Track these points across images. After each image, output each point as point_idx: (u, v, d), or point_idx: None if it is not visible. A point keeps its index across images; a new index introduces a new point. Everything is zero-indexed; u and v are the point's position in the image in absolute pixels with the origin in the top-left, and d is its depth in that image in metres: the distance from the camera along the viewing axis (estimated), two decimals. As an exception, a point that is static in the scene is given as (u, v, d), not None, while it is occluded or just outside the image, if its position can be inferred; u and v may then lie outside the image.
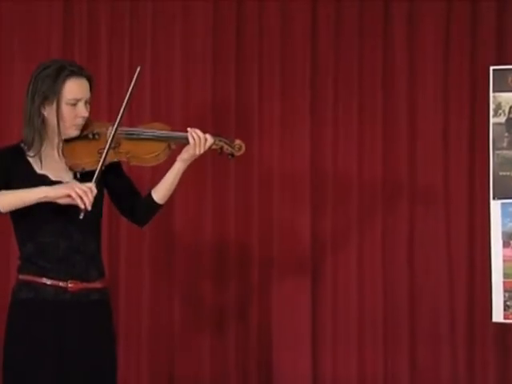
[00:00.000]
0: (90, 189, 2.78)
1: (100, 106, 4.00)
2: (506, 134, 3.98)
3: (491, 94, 3.99)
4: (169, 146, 3.01)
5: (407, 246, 4.28)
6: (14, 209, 2.84)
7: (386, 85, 4.28)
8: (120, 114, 2.92)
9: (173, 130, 3.04)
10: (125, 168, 3.11)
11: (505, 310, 3.94)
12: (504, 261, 3.95)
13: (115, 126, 2.92)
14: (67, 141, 2.95)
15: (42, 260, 2.89)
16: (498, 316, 3.95)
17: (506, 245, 3.96)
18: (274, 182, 4.26)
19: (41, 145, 2.91)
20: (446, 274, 4.26)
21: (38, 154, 2.91)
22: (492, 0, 4.26)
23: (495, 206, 3.98)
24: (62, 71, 2.88)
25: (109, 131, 2.94)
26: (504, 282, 3.94)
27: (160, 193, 3.05)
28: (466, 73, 4.27)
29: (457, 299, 4.26)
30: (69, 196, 2.78)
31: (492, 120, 3.99)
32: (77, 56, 4.13)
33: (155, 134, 3.01)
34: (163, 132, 3.02)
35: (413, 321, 4.26)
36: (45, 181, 2.89)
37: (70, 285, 2.90)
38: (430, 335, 4.26)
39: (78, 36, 4.21)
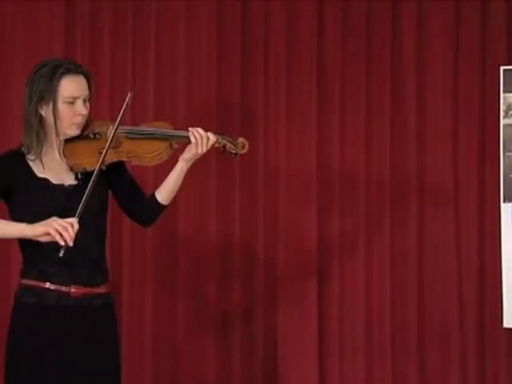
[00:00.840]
0: (71, 224, 2.73)
1: (102, 106, 4.01)
2: (517, 136, 4.00)
3: (502, 95, 4.00)
4: (171, 145, 2.99)
5: (416, 250, 4.26)
6: None
7: (394, 85, 4.26)
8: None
9: (175, 129, 3.03)
10: (127, 168, 3.09)
11: (516, 315, 3.95)
12: (515, 265, 3.96)
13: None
14: (68, 141, 2.93)
15: (45, 264, 2.87)
16: (509, 322, 3.96)
17: (516, 248, 3.97)
18: (279, 182, 4.25)
19: (41, 147, 2.90)
20: (455, 278, 4.24)
21: (39, 157, 2.90)
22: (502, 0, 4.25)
23: (506, 209, 3.99)
24: (58, 69, 2.87)
25: (109, 130, 2.92)
26: (515, 287, 3.96)
27: (163, 193, 3.05)
28: (476, 73, 4.25)
29: (467, 304, 4.23)
30: (48, 234, 2.74)
31: (502, 121, 4.01)
32: (79, 56, 4.12)
33: (156, 132, 3.00)
34: (164, 130, 3.01)
35: (422, 327, 4.24)
36: (46, 185, 2.88)
37: (72, 290, 2.88)
38: (439, 342, 4.23)
39: (80, 36, 4.19)
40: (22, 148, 2.93)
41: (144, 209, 3.08)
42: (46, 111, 2.88)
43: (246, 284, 4.22)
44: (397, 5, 4.27)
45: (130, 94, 2.90)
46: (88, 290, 2.90)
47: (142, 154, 2.96)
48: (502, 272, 3.94)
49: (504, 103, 3.98)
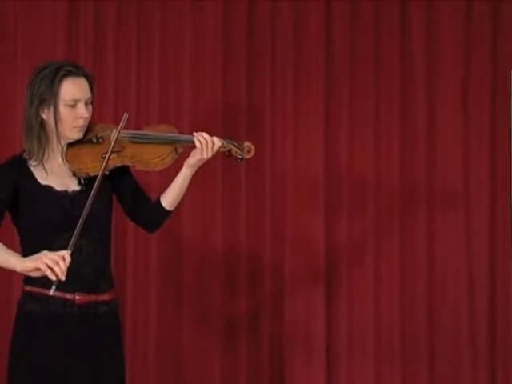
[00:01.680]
0: (63, 257, 2.65)
1: (106, 108, 4.01)
2: (528, 139, 4.02)
3: (512, 97, 4.04)
4: (175, 150, 2.96)
5: (426, 255, 4.23)
6: None
7: (403, 87, 4.25)
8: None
9: (180, 133, 3.00)
10: (132, 172, 3.07)
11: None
12: (528, 270, 3.98)
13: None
14: (70, 145, 2.90)
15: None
16: (521, 329, 3.99)
17: (529, 253, 3.99)
18: (286, 186, 4.22)
19: (43, 152, 2.87)
20: (466, 284, 4.23)
21: (41, 163, 2.87)
22: (513, 2, 4.27)
23: (518, 214, 4.03)
24: (58, 72, 2.84)
25: (112, 134, 2.89)
26: (528, 293, 3.98)
27: (168, 199, 3.02)
28: (487, 76, 4.24)
29: (478, 311, 4.22)
30: (38, 269, 2.68)
31: (513, 124, 4.04)
32: (82, 57, 4.10)
33: (160, 136, 2.96)
34: (169, 135, 2.97)
35: (432, 334, 4.22)
36: (49, 192, 2.85)
37: (77, 297, 2.85)
38: (449, 349, 4.22)
39: (84, 37, 4.16)
40: (24, 154, 2.90)
41: (149, 214, 3.05)
42: (47, 115, 2.85)
43: (252, 289, 4.20)
44: (406, 5, 4.25)
45: (125, 114, 2.86)
46: (93, 297, 2.87)
47: (146, 159, 2.92)
48: (515, 278, 3.96)
49: (515, 104, 4.02)
